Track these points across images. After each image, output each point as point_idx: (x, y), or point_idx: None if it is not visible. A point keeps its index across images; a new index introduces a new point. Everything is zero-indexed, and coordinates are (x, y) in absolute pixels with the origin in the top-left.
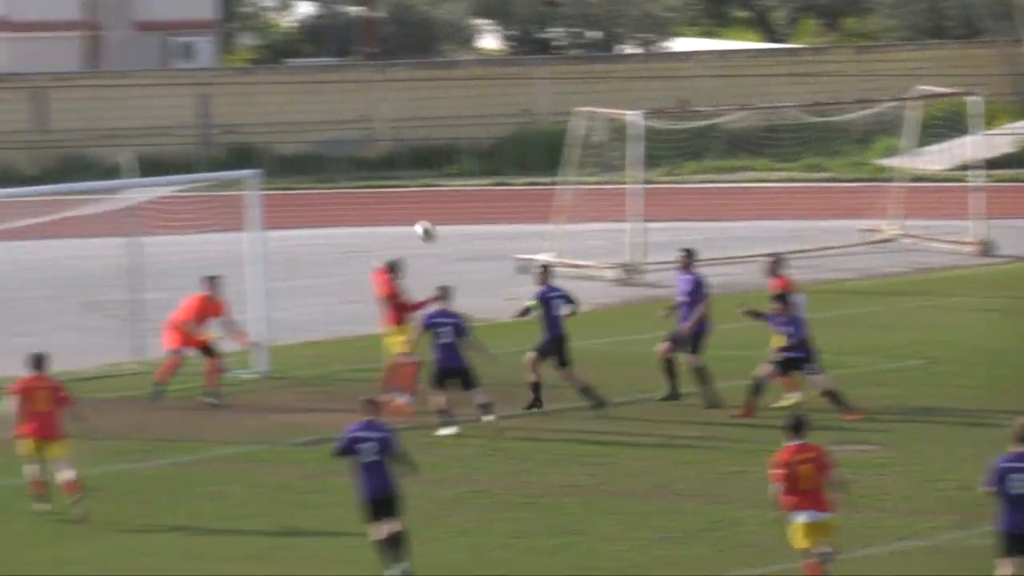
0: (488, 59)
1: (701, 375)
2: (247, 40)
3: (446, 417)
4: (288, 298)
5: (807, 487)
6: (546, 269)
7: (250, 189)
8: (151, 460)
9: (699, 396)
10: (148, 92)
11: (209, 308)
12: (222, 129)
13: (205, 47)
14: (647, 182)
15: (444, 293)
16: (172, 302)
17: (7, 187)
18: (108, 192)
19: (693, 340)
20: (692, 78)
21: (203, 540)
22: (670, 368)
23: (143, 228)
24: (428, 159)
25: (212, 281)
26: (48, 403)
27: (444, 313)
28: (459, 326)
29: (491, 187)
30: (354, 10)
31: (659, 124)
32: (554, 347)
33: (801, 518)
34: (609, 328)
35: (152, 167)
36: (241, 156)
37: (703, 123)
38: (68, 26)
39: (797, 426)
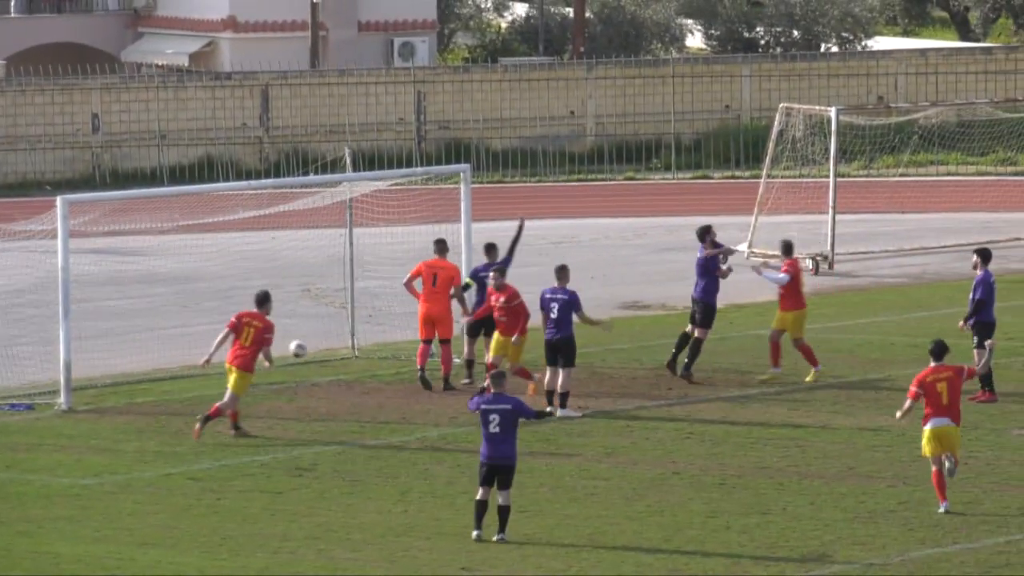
0: (693, 58)
1: None
2: (463, 40)
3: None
4: None
5: (941, 402)
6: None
7: (462, 182)
8: (363, 440)
9: None
10: (367, 90)
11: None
12: (437, 125)
13: (423, 47)
14: (843, 176)
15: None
16: (384, 290)
17: (233, 180)
18: (327, 185)
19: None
20: (889, 75)
21: (410, 517)
22: None
23: (359, 219)
24: (633, 154)
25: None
26: (252, 339)
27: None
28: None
29: (693, 180)
30: (565, 11)
31: (857, 120)
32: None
33: (929, 425)
34: None
35: (369, 162)
36: (454, 151)
37: (899, 119)
38: (292, 27)
39: (938, 351)
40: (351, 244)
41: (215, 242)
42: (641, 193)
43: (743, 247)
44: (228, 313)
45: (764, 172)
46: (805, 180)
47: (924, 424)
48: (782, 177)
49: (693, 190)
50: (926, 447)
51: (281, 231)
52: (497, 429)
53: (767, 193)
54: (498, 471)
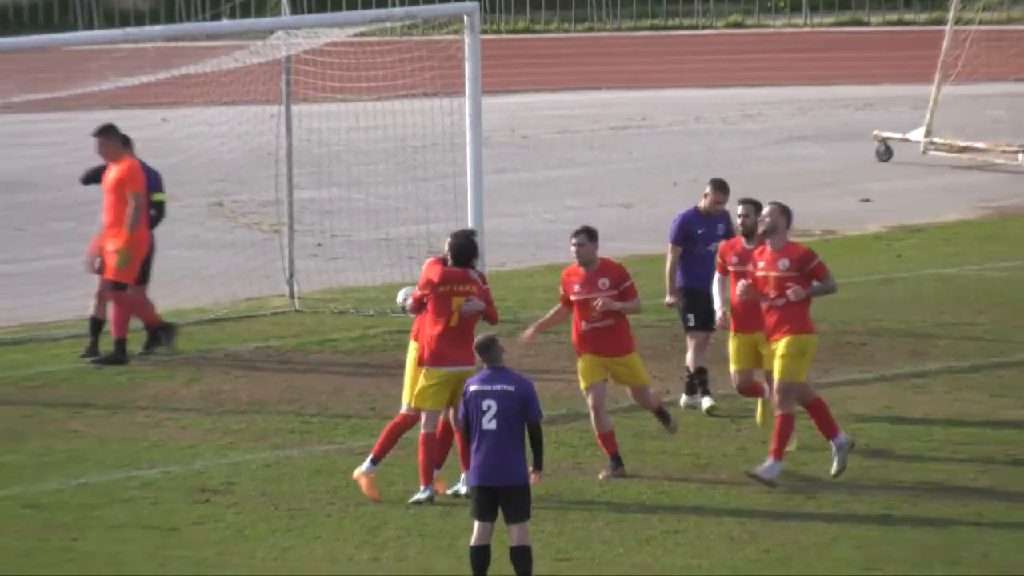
0: None
1: None
2: None
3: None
4: (519, 199)
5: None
6: None
7: (465, 32)
8: (307, 445)
9: None
10: None
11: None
12: None
13: None
14: None
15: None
16: (341, 204)
17: (98, 27)
18: (251, 36)
19: None
20: None
21: (384, 568)
22: None
23: (301, 91)
24: None
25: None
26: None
27: None
28: None
29: (836, 28)
30: None
31: None
32: None
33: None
34: (1016, 246)
35: None
36: None
37: None
38: None
39: None
40: (289, 131)
41: (69, 128)
42: (752, 49)
43: (918, 134)
44: (86, 238)
45: (950, 16)
46: (1014, 28)
47: None
48: (979, 23)
49: (836, 43)
50: None
51: (176, 109)
52: (493, 424)
53: (954, 49)
54: (499, 494)
